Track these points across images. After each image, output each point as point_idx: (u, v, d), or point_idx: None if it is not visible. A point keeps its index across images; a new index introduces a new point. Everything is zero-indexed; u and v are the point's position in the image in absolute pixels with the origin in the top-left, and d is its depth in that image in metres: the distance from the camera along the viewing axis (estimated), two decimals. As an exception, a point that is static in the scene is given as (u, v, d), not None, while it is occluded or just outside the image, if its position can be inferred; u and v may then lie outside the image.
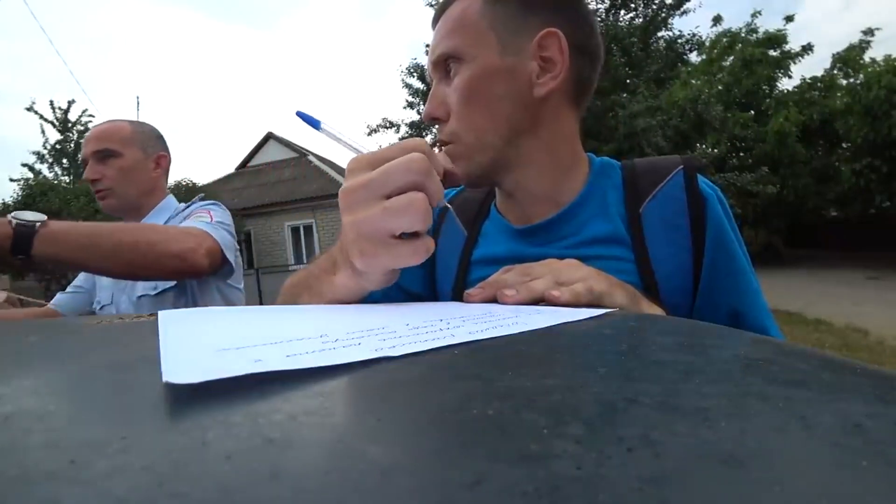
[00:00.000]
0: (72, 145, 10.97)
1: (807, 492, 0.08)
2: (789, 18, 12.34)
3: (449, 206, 0.43)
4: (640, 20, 9.64)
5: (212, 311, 0.31)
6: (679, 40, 10.34)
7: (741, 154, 11.67)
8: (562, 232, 0.50)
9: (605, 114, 7.89)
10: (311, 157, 11.98)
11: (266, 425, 0.11)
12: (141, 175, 1.01)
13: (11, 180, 9.99)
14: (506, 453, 0.09)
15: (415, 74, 9.95)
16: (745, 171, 9.25)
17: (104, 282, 1.01)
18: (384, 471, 0.09)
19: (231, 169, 13.69)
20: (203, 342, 0.19)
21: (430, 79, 0.52)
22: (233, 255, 0.92)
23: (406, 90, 10.18)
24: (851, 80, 10.95)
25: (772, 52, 12.13)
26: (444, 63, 0.49)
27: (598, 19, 9.14)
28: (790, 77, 12.38)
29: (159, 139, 1.06)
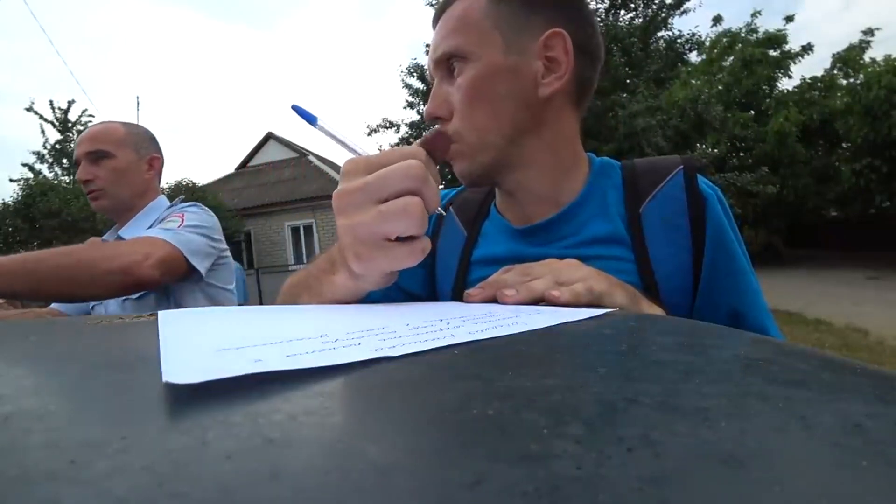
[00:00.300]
0: (72, 145, 10.94)
1: (807, 492, 0.08)
2: (789, 18, 12.33)
3: (445, 210, 0.43)
4: (640, 20, 9.65)
5: (212, 311, 0.31)
6: (679, 40, 10.35)
7: (741, 154, 11.66)
8: (562, 232, 0.50)
9: (605, 114, 7.89)
10: (311, 157, 11.99)
11: (266, 425, 0.11)
12: (134, 176, 1.01)
13: (11, 180, 9.98)
14: (506, 453, 0.09)
15: (415, 74, 9.95)
16: (745, 171, 9.25)
17: None
18: (384, 471, 0.09)
19: (231, 169, 13.72)
20: (203, 342, 0.19)
21: (430, 78, 0.52)
22: (203, 259, 0.92)
23: (406, 90, 10.19)
24: (851, 80, 10.94)
25: (772, 52, 12.11)
26: (447, 62, 0.48)
27: (598, 19, 9.15)
28: (790, 77, 12.38)
29: (152, 141, 1.07)
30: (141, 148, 1.03)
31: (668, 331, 0.22)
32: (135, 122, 1.12)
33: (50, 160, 10.68)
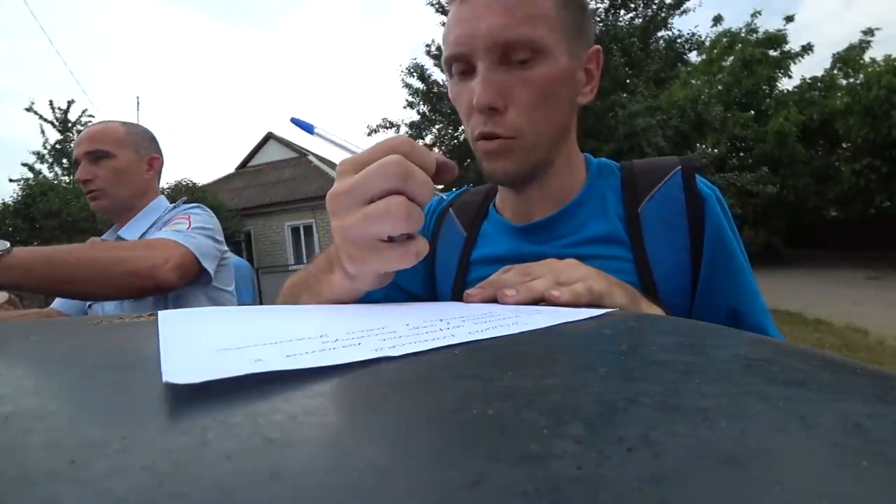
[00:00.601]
0: (72, 145, 10.87)
1: (807, 492, 0.08)
2: (789, 18, 12.32)
3: (445, 211, 0.42)
4: (640, 20, 9.65)
5: (212, 311, 0.31)
6: (679, 40, 10.35)
7: (741, 154, 11.65)
8: (561, 230, 0.50)
9: (605, 114, 7.89)
10: (310, 157, 11.99)
11: (266, 425, 0.11)
12: (133, 176, 1.01)
13: (11, 180, 9.96)
14: (506, 453, 0.09)
15: (415, 74, 9.94)
16: (745, 171, 9.25)
17: None
18: (384, 471, 0.09)
19: (231, 169, 13.71)
20: (203, 342, 0.19)
21: (446, 63, 0.48)
22: (212, 261, 0.92)
23: (406, 90, 10.19)
24: (851, 80, 10.92)
25: (772, 52, 12.10)
26: (511, 49, 0.44)
27: (598, 19, 9.17)
28: (790, 77, 12.36)
29: (152, 141, 1.07)
30: (141, 148, 1.02)
31: (668, 331, 0.22)
32: (135, 122, 1.12)
33: (50, 160, 10.66)
